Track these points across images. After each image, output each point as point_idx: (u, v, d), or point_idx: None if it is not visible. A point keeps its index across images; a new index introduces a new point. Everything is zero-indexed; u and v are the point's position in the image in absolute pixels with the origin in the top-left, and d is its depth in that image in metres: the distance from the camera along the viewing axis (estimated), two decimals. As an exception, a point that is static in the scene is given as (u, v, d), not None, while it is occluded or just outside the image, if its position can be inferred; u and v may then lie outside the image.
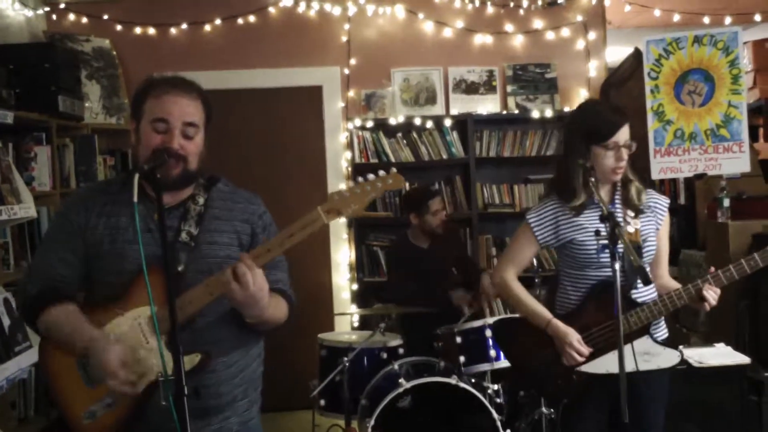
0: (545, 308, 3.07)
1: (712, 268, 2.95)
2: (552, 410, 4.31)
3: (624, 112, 3.08)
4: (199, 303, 2.21)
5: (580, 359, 2.94)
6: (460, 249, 5.65)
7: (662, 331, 3.09)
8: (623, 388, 2.60)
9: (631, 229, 2.98)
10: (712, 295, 2.90)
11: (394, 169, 2.21)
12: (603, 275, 2.95)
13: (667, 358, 2.97)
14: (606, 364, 2.92)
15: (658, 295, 3.02)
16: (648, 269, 2.98)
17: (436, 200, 5.19)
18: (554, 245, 3.08)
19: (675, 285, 3.11)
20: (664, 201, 3.13)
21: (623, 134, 2.95)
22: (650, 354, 2.87)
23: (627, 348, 2.77)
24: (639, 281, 2.90)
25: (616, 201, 3.05)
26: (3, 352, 3.89)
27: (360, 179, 2.21)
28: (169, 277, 2.06)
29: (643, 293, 3.01)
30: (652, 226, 3.06)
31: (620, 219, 2.98)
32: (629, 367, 2.73)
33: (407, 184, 6.01)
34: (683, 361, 4.04)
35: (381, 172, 2.21)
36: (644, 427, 2.98)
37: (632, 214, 3.01)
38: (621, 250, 2.68)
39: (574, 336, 2.94)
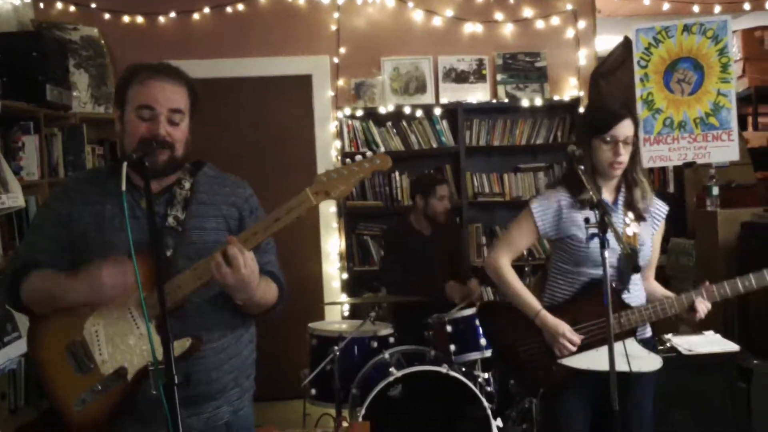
0: (535, 298, 3.06)
1: (707, 283, 2.97)
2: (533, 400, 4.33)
3: (629, 107, 3.07)
4: (188, 288, 2.21)
5: (573, 348, 2.94)
6: (457, 243, 5.66)
7: (647, 331, 3.10)
8: (612, 374, 2.60)
9: (629, 232, 2.98)
10: (703, 309, 2.93)
11: (382, 149, 2.22)
12: (598, 273, 2.92)
13: (649, 362, 2.97)
14: (588, 361, 2.93)
15: (649, 301, 3.03)
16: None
17: (443, 187, 5.20)
18: (552, 237, 3.06)
19: (660, 290, 3.14)
20: (663, 208, 3.12)
21: (623, 129, 2.92)
22: (633, 356, 2.87)
23: (618, 347, 2.80)
24: (630, 286, 2.96)
25: (619, 202, 3.03)
26: (-8, 342, 3.88)
27: (348, 161, 2.22)
28: (158, 263, 2.06)
29: (634, 297, 3.01)
30: (649, 231, 3.05)
31: (620, 222, 2.98)
32: (617, 366, 2.76)
33: (399, 173, 6.03)
34: (672, 349, 4.07)
35: (368, 153, 2.21)
36: (635, 423, 2.99)
37: (632, 216, 3.00)
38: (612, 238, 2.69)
39: (565, 326, 2.95)
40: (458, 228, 5.84)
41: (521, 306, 3.06)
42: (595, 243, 2.85)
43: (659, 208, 3.11)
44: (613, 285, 2.91)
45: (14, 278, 2.34)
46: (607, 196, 3.02)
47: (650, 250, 3.06)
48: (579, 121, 3.12)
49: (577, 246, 2.96)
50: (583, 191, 2.93)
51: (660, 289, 3.15)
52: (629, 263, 2.67)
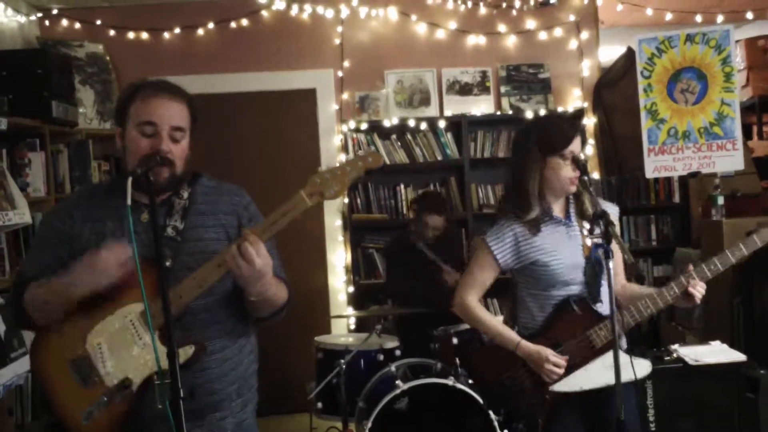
0: (512, 330, 3.03)
1: (691, 266, 2.92)
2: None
3: (576, 123, 3.08)
4: (189, 296, 2.22)
5: (560, 371, 2.90)
6: (457, 250, 5.65)
7: (623, 342, 3.05)
8: (618, 386, 2.59)
9: (589, 242, 2.95)
10: (699, 290, 2.88)
11: (372, 148, 2.22)
12: (568, 293, 2.94)
13: (640, 368, 2.92)
14: (580, 381, 2.90)
15: (634, 300, 2.96)
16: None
17: (434, 218, 5.13)
18: (514, 267, 3.03)
19: (641, 289, 3.08)
20: (613, 209, 3.07)
21: (577, 144, 2.93)
22: (623, 366, 2.83)
23: (601, 361, 2.82)
24: (601, 297, 2.93)
25: (571, 215, 3.02)
26: (-1, 358, 3.88)
27: (340, 160, 2.23)
28: (162, 277, 2.07)
29: (607, 306, 2.95)
30: None
31: (577, 233, 2.97)
32: (604, 380, 2.76)
33: (404, 186, 6.04)
34: (679, 359, 4.06)
35: (360, 152, 2.23)
36: None
37: (588, 226, 2.97)
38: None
39: (547, 351, 2.90)
40: (455, 238, 5.87)
41: (500, 340, 3.02)
42: (562, 265, 2.90)
43: (610, 210, 3.08)
44: (586, 300, 2.92)
45: (16, 290, 2.37)
46: (558, 213, 3.01)
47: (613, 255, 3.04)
48: (524, 143, 3.05)
49: (542, 270, 2.94)
50: (529, 211, 2.94)
51: (639, 289, 3.09)
52: (632, 273, 2.65)
